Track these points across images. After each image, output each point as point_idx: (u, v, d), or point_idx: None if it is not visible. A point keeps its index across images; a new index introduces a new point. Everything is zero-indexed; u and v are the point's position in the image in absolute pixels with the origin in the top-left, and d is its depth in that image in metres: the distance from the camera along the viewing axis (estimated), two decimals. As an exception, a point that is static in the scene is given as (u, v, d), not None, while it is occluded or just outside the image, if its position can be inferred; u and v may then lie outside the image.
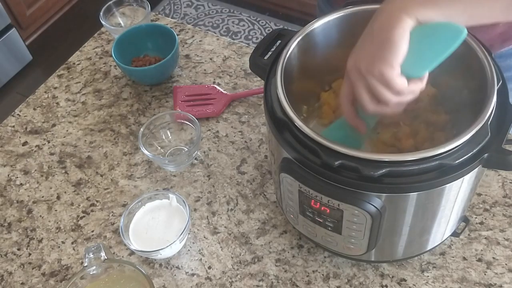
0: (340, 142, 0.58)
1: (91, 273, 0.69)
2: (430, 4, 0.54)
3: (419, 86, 0.57)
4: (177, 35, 1.01)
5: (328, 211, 0.62)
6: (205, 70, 1.04)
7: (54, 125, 0.98)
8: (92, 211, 0.86)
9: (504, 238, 0.76)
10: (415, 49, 0.54)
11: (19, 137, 0.97)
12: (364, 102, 0.58)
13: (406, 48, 0.54)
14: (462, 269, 0.74)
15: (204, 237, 0.81)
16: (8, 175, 0.92)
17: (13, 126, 0.99)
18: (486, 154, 0.56)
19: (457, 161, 0.55)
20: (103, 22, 1.06)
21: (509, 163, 0.56)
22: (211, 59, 1.05)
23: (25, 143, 0.96)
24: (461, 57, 0.56)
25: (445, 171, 0.56)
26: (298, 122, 0.59)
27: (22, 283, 0.79)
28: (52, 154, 0.94)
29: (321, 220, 0.65)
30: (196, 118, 0.88)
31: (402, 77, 0.55)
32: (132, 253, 0.80)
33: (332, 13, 0.70)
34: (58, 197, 0.88)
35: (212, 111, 0.96)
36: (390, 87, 0.55)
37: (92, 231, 0.83)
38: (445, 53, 0.54)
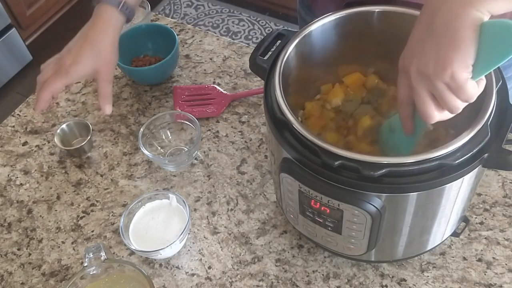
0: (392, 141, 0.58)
1: (91, 273, 0.69)
2: None
3: (481, 89, 0.52)
4: (177, 35, 1.01)
5: (328, 211, 0.62)
6: (205, 70, 1.04)
7: (54, 125, 0.98)
8: (92, 211, 0.86)
9: (504, 238, 0.76)
10: (480, 49, 0.48)
11: (19, 137, 0.97)
12: (427, 110, 0.53)
13: (476, 48, 0.48)
14: (462, 269, 0.74)
15: (204, 237, 0.81)
16: (8, 175, 0.92)
17: (13, 126, 0.99)
18: (486, 154, 0.56)
19: (457, 161, 0.55)
20: (103, 22, 1.06)
21: (509, 163, 0.56)
22: (211, 59, 1.05)
23: (25, 143, 0.96)
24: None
25: (445, 171, 0.56)
26: (296, 125, 0.59)
27: (22, 283, 0.79)
28: (52, 154, 0.94)
29: (321, 220, 0.65)
30: (196, 118, 0.88)
31: (472, 80, 0.50)
32: (132, 253, 0.80)
33: (332, 14, 0.70)
34: (58, 197, 0.88)
35: (212, 111, 0.96)
36: (461, 92, 0.50)
37: (92, 231, 0.83)
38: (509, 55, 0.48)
